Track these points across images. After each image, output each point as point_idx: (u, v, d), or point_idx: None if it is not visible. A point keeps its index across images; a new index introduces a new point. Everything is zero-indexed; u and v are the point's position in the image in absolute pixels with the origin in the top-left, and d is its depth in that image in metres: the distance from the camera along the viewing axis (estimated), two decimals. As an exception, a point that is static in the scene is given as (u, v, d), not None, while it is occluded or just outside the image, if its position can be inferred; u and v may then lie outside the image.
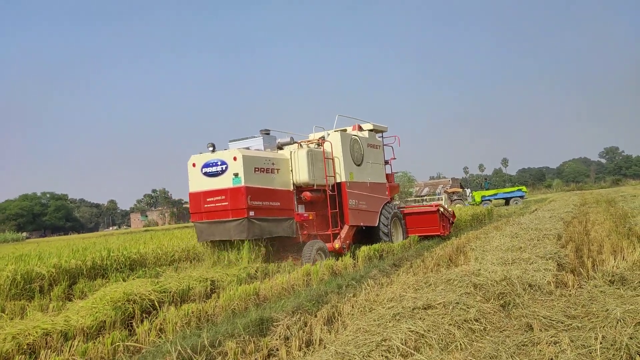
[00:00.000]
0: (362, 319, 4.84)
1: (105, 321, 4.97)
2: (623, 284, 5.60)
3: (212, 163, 8.81)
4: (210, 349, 4.31)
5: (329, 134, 10.73)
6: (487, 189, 39.67)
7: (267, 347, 4.47)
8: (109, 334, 4.47)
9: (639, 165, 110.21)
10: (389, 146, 13.30)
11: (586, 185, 78.95)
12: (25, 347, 4.38)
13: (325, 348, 4.03)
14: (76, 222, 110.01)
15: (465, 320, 4.46)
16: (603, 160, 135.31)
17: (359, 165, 11.10)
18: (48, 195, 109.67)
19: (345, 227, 10.25)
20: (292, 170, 9.65)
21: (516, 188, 38.13)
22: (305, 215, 9.82)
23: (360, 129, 11.99)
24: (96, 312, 5.12)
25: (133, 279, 7.71)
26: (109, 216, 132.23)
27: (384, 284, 6.62)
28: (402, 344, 3.60)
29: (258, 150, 9.58)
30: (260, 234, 8.64)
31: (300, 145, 10.23)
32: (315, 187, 9.84)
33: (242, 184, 8.45)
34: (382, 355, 3.53)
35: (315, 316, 5.29)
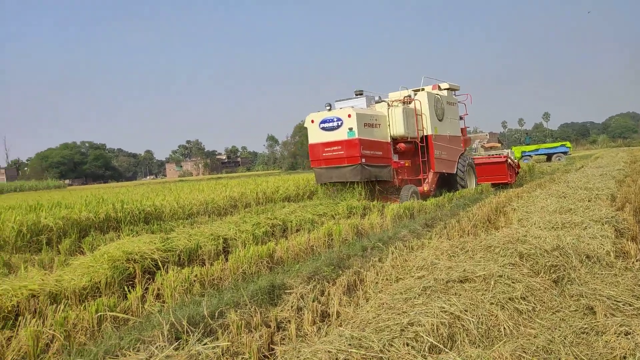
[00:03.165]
0: (386, 290, 4.18)
1: (100, 282, 4.48)
2: (702, 258, 4.70)
3: (329, 119, 10.45)
4: (210, 320, 3.76)
5: (415, 93, 12.20)
6: (527, 144, 37.66)
7: (275, 320, 3.88)
8: (98, 298, 3.94)
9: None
10: (462, 103, 14.58)
11: (634, 142, 74.28)
12: (9, 309, 3.93)
13: (340, 327, 3.39)
14: (115, 171, 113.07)
15: (510, 299, 3.71)
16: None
17: (440, 120, 12.57)
18: (87, 145, 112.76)
19: (431, 173, 11.98)
20: (389, 125, 11.17)
21: (559, 143, 35.99)
22: (401, 162, 11.50)
23: (439, 88, 13.26)
24: (93, 272, 4.63)
25: (146, 232, 7.28)
26: (145, 166, 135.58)
27: (414, 247, 5.89)
28: (431, 334, 2.90)
29: (362, 108, 10.90)
30: (369, 177, 10.38)
31: (390, 103, 11.58)
32: (408, 140, 11.43)
33: (356, 136, 10.11)
34: (406, 345, 2.85)
35: (334, 284, 4.65)
